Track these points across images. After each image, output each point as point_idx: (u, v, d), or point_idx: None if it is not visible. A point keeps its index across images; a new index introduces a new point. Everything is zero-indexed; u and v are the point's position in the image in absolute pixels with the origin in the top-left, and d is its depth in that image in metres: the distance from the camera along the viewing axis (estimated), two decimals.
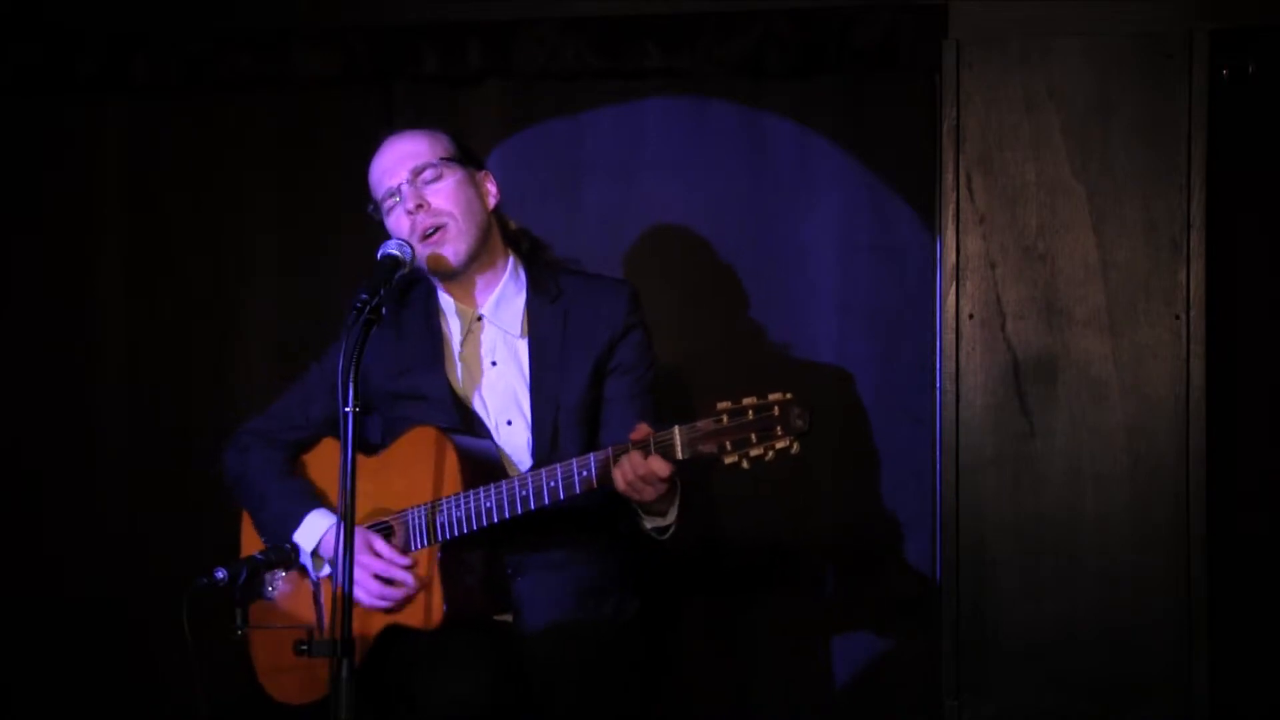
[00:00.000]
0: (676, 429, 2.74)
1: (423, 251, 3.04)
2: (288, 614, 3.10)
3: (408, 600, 2.95)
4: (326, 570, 3.04)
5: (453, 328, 3.14)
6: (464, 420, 3.07)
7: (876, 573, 3.92)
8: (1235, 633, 3.74)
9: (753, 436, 2.67)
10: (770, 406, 2.67)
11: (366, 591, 2.94)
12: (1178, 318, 3.69)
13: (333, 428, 3.14)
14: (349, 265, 3.97)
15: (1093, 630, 3.69)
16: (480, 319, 3.12)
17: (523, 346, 3.10)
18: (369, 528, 3.01)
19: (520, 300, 3.13)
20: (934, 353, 3.84)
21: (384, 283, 2.80)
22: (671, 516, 2.95)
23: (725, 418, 2.69)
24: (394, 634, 2.96)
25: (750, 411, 2.68)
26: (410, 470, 2.97)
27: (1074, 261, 3.73)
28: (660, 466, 2.76)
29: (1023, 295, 3.75)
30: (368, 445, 3.14)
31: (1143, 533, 3.69)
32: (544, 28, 3.95)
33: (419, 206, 3.05)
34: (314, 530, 3.05)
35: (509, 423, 3.08)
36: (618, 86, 3.99)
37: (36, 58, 4.08)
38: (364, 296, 2.73)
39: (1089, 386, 3.71)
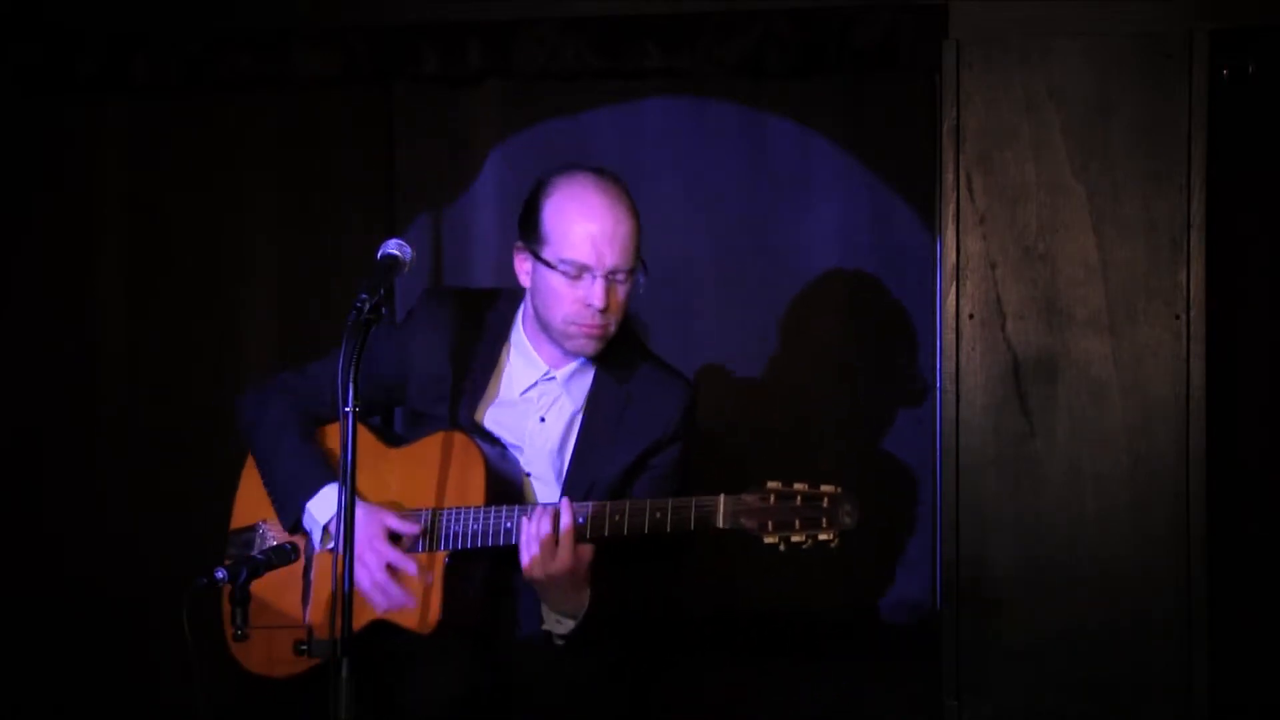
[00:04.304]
0: (722, 497, 2.75)
1: (579, 339, 2.99)
2: (272, 585, 3.04)
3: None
4: (330, 545, 3.00)
5: (517, 369, 3.11)
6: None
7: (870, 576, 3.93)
8: (1235, 633, 3.74)
9: (797, 522, 2.69)
10: (820, 497, 2.69)
11: (373, 581, 2.91)
12: (1178, 318, 3.69)
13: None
14: (349, 265, 3.97)
15: (1093, 630, 3.69)
16: (552, 379, 3.09)
17: (577, 416, 3.08)
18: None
19: (591, 373, 3.10)
20: (934, 353, 3.84)
21: (383, 283, 2.78)
22: (574, 622, 2.91)
23: (772, 498, 2.70)
24: (380, 629, 2.94)
25: (799, 498, 2.70)
26: (435, 471, 2.96)
27: (1074, 261, 3.72)
28: (585, 552, 2.80)
29: (1023, 295, 3.74)
30: (390, 435, 3.13)
31: (1143, 533, 3.68)
32: (544, 28, 3.94)
33: (605, 310, 2.96)
34: (329, 504, 3.00)
35: (528, 475, 3.07)
36: (618, 86, 3.99)
37: (36, 58, 4.08)
38: (364, 296, 2.72)
39: (1089, 386, 3.71)
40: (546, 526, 2.81)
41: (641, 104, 4.01)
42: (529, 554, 2.83)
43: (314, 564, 3.06)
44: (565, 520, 2.82)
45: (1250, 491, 3.79)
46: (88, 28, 4.07)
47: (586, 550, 2.82)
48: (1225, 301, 3.73)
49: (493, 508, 2.90)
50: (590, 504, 2.87)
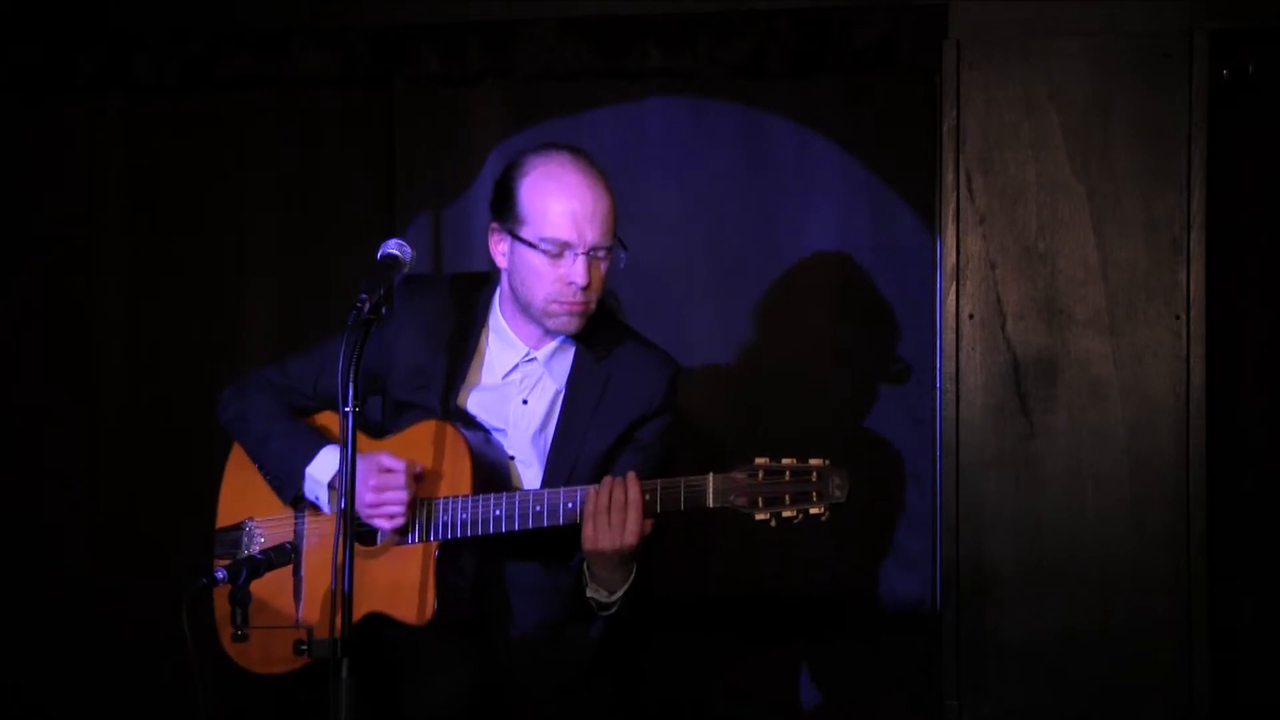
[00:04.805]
0: (711, 476, 2.74)
1: (561, 317, 2.96)
2: (264, 584, 2.95)
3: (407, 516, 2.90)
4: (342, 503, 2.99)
5: (497, 353, 3.08)
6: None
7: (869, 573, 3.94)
8: (1235, 633, 3.75)
9: (787, 497, 2.68)
10: (809, 472, 2.68)
11: (365, 504, 2.87)
12: (1178, 318, 3.69)
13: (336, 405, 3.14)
14: (349, 265, 3.97)
15: (1093, 630, 3.69)
16: (533, 360, 3.07)
17: (559, 396, 3.06)
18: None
19: (571, 351, 3.07)
20: (934, 353, 3.84)
21: (383, 282, 2.77)
22: (618, 595, 2.91)
23: (761, 474, 2.70)
24: (376, 623, 2.93)
25: (787, 473, 2.69)
26: (419, 461, 2.95)
27: (1074, 261, 3.73)
28: (649, 525, 2.78)
29: (1023, 295, 3.75)
30: (370, 425, 3.13)
31: (1143, 533, 3.69)
32: (544, 28, 3.95)
33: (587, 287, 2.94)
34: (330, 464, 2.97)
35: (511, 458, 3.06)
36: (618, 86, 3.99)
37: (36, 58, 4.08)
38: (364, 296, 2.71)
39: (1089, 386, 3.71)
40: (619, 497, 2.80)
41: (641, 104, 4.01)
42: (593, 526, 2.81)
43: (304, 561, 3.06)
44: (634, 493, 2.80)
45: (1250, 491, 3.79)
46: (88, 28, 4.08)
47: (649, 524, 2.81)
48: (1225, 301, 3.73)
49: (480, 495, 2.89)
50: (578, 489, 2.86)
